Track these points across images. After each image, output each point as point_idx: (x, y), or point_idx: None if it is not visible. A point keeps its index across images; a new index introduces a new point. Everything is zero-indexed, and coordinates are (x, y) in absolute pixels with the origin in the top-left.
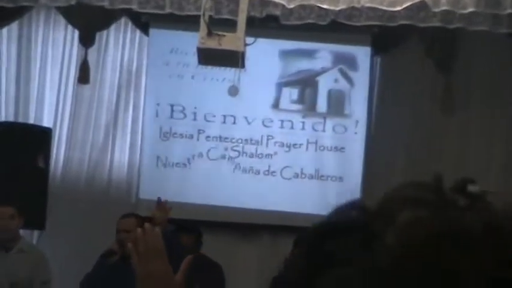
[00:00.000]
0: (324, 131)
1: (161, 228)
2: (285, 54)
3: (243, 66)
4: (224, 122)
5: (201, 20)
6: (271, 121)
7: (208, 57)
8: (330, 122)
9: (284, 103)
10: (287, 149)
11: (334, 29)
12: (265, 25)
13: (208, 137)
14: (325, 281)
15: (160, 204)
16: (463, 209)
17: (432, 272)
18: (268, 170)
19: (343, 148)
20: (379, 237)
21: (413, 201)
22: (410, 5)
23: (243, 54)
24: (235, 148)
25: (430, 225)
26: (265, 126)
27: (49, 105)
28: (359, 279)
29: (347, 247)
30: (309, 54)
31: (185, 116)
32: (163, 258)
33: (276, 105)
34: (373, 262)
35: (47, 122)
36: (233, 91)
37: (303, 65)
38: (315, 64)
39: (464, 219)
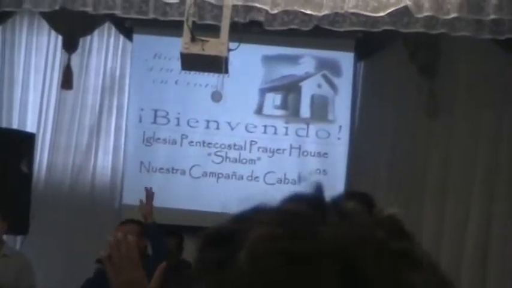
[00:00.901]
0: (307, 136)
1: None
2: (269, 60)
3: (226, 71)
4: (207, 128)
5: (185, 26)
6: (255, 126)
7: (191, 62)
8: (313, 128)
9: (267, 108)
10: (270, 154)
11: (317, 34)
12: (249, 30)
13: (191, 142)
14: None
15: (148, 193)
16: (327, 224)
17: None
18: (251, 175)
19: (326, 153)
20: (234, 252)
21: (276, 216)
22: (394, 11)
23: (226, 60)
24: (218, 153)
25: (274, 243)
26: (248, 131)
27: (32, 110)
28: None
29: (209, 259)
30: (293, 59)
31: (168, 121)
32: (138, 267)
33: (259, 110)
34: (224, 279)
35: (30, 127)
36: (216, 97)
37: (287, 70)
38: (299, 69)
39: (317, 237)
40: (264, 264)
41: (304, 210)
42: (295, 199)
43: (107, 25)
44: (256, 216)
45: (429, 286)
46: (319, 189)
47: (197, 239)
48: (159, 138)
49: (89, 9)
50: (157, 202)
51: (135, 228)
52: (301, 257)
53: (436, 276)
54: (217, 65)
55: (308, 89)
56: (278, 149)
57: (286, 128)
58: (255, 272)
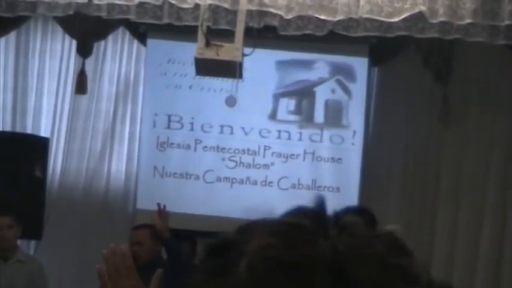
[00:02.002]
0: (321, 141)
1: (164, 235)
2: (283, 65)
3: (240, 76)
4: (221, 132)
5: (199, 31)
6: (269, 132)
7: (206, 67)
8: (327, 133)
9: (281, 114)
10: (284, 159)
11: (331, 39)
12: (263, 35)
13: (205, 147)
14: None
15: (161, 211)
16: (325, 236)
17: None
18: (265, 181)
19: (340, 159)
20: (236, 261)
21: (276, 227)
22: (408, 16)
23: (240, 65)
24: (232, 158)
25: (271, 251)
26: (262, 136)
27: (46, 115)
28: None
29: (211, 267)
30: (307, 64)
31: (182, 126)
32: (134, 275)
33: (273, 115)
34: (224, 285)
35: (44, 132)
36: (231, 101)
37: (301, 75)
38: (313, 75)
39: (315, 249)
40: (260, 271)
41: (305, 223)
42: (297, 212)
43: (121, 30)
44: (258, 227)
45: None
46: (321, 202)
47: (201, 248)
48: (172, 143)
49: (103, 14)
50: (170, 207)
51: (149, 232)
52: (296, 265)
53: None
54: (231, 70)
55: (322, 94)
56: (292, 154)
57: (300, 133)
58: (252, 279)
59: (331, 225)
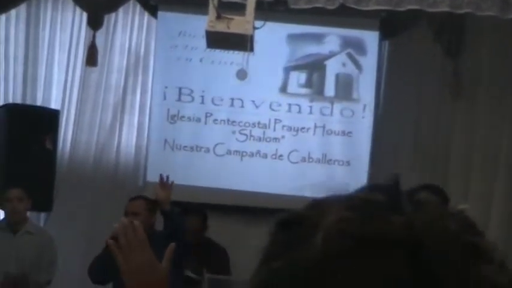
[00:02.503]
0: (331, 115)
1: (165, 207)
2: (293, 38)
3: (251, 49)
4: (232, 106)
5: (210, 3)
6: (279, 105)
7: (216, 40)
8: (337, 106)
9: (292, 87)
10: (294, 133)
11: (342, 13)
12: (274, 9)
13: (216, 120)
14: (263, 271)
15: (163, 183)
16: (400, 212)
17: (345, 275)
18: (275, 154)
19: (350, 132)
20: (309, 235)
21: (351, 202)
22: None
23: (251, 38)
24: (242, 132)
25: (347, 226)
26: (272, 110)
27: (57, 88)
28: (283, 275)
29: (284, 241)
30: (317, 38)
31: (193, 99)
32: (146, 249)
33: (283, 89)
34: (299, 259)
35: (54, 104)
36: (242, 75)
37: (311, 49)
38: (323, 48)
39: (390, 224)
40: (336, 245)
41: (379, 198)
42: (371, 188)
43: (131, 2)
44: (331, 202)
45: (501, 281)
46: (395, 180)
47: (271, 222)
48: (183, 116)
49: None
50: (180, 180)
51: (145, 204)
52: (372, 241)
53: (507, 273)
54: (242, 43)
55: (333, 68)
56: (302, 128)
57: (311, 106)
58: (327, 252)
59: (405, 201)
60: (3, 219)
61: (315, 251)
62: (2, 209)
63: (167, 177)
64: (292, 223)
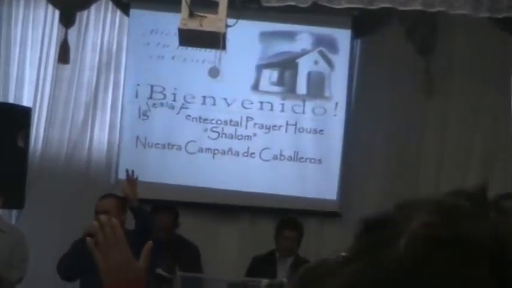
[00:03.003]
0: (303, 113)
1: (132, 203)
2: (266, 36)
3: (224, 47)
4: (204, 103)
5: (183, 1)
6: (251, 103)
7: (189, 38)
8: (309, 104)
9: (264, 85)
10: (266, 130)
11: (314, 11)
12: (247, 6)
13: (188, 116)
14: (346, 271)
15: (130, 179)
16: (486, 219)
17: (428, 278)
18: (247, 152)
19: (322, 130)
20: (395, 237)
21: (437, 207)
22: None
23: (224, 36)
24: (214, 129)
25: (434, 231)
26: (244, 107)
27: (29, 85)
28: (366, 276)
29: (369, 242)
30: (289, 36)
31: (165, 96)
32: (124, 247)
33: (255, 86)
34: (383, 261)
35: (26, 102)
36: (214, 72)
37: (283, 47)
38: (295, 46)
39: (476, 230)
40: (420, 248)
41: (465, 204)
42: (456, 193)
43: (104, 0)
44: (417, 205)
45: None
46: (482, 186)
47: (357, 224)
48: (155, 114)
49: None
50: (152, 177)
51: (115, 202)
52: (456, 244)
53: None
54: (215, 41)
55: (305, 66)
56: (274, 126)
57: (283, 104)
58: (411, 255)
59: (491, 208)
60: None
61: (399, 254)
62: None
63: (132, 172)
64: (377, 224)
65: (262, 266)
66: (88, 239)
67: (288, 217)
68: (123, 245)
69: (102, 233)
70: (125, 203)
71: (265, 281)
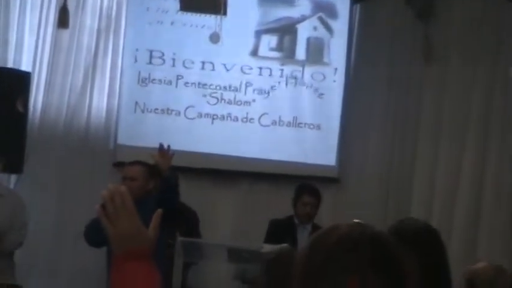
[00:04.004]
0: (302, 78)
1: (164, 174)
2: (265, 2)
3: (225, 13)
4: (203, 69)
5: None
6: (250, 68)
7: (190, 3)
8: (308, 70)
9: (263, 50)
10: (265, 96)
11: None
12: None
13: (186, 83)
14: None
15: (163, 150)
16: None
17: None
18: (246, 117)
19: (321, 95)
20: None
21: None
22: None
23: (225, 1)
24: (213, 95)
25: None
26: (243, 73)
27: (28, 50)
28: None
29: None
30: (289, 1)
31: (164, 62)
32: (133, 216)
33: (254, 52)
34: None
35: (25, 67)
36: (215, 38)
37: (283, 12)
38: (295, 12)
39: None
40: None
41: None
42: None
43: None
44: None
45: None
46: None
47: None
48: (154, 79)
49: None
50: (151, 143)
51: (142, 169)
52: None
53: None
54: (216, 6)
55: (304, 32)
56: (273, 91)
57: (282, 70)
58: None
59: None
60: None
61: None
62: None
63: (168, 146)
64: None
65: (281, 230)
66: (96, 207)
67: (307, 182)
68: (132, 214)
69: (111, 201)
70: (152, 170)
71: (267, 246)
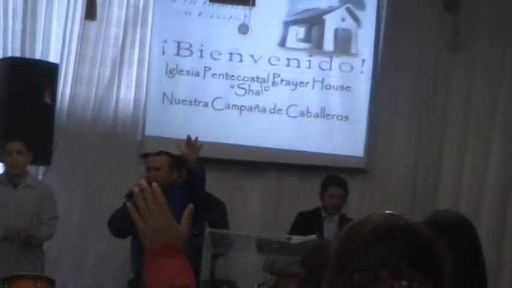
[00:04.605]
0: (330, 69)
1: (191, 165)
2: None
3: (253, 4)
4: (230, 60)
5: None
6: (278, 59)
7: None
8: (336, 61)
9: (291, 41)
10: (293, 87)
11: None
12: None
13: (214, 74)
14: None
15: (190, 142)
16: None
17: None
18: (274, 108)
19: (349, 87)
20: None
21: None
22: None
23: None
24: (241, 86)
25: None
26: (271, 64)
27: (56, 41)
28: None
29: None
30: None
31: (192, 53)
32: (164, 212)
33: (282, 43)
34: None
35: (53, 58)
36: (244, 29)
37: (311, 3)
38: (322, 3)
39: None
40: None
41: None
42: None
43: None
44: None
45: None
46: None
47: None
48: (182, 70)
49: None
50: (179, 134)
51: (167, 159)
52: None
53: None
54: None
55: (331, 23)
56: (301, 82)
57: (310, 61)
58: None
59: None
60: (3, 172)
61: None
62: (2, 162)
63: (196, 138)
64: None
65: (308, 222)
66: (128, 204)
67: (333, 174)
68: (164, 210)
69: (142, 198)
70: (177, 161)
71: (295, 238)
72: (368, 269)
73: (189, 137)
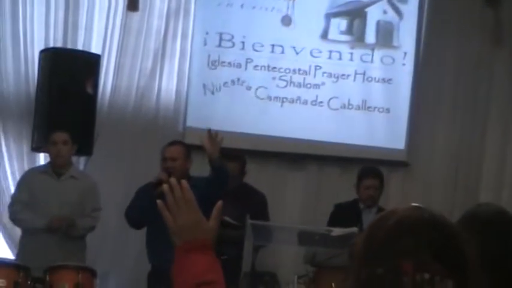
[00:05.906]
0: (372, 62)
1: (212, 159)
2: None
3: None
4: (272, 52)
5: None
6: (320, 51)
7: None
8: (378, 53)
9: (333, 34)
10: (335, 79)
11: None
12: None
13: (256, 66)
14: None
15: (210, 135)
16: None
17: None
18: (315, 100)
19: (390, 79)
20: None
21: None
22: None
23: None
24: (283, 78)
25: None
26: (313, 56)
27: (98, 32)
28: None
29: None
30: None
31: (233, 44)
32: (195, 208)
33: (324, 35)
34: None
35: (95, 49)
36: (286, 21)
37: None
38: None
39: None
40: None
41: None
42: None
43: None
44: None
45: None
46: None
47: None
48: (223, 62)
49: None
50: (221, 126)
51: (183, 149)
52: None
53: None
54: None
55: (373, 15)
56: (343, 75)
57: (351, 53)
58: None
59: None
60: (48, 162)
61: None
62: (47, 152)
63: (216, 134)
64: None
65: (345, 214)
66: (158, 201)
67: (367, 166)
68: (192, 206)
69: (172, 195)
70: (190, 150)
71: (337, 230)
72: (391, 262)
73: (209, 131)
